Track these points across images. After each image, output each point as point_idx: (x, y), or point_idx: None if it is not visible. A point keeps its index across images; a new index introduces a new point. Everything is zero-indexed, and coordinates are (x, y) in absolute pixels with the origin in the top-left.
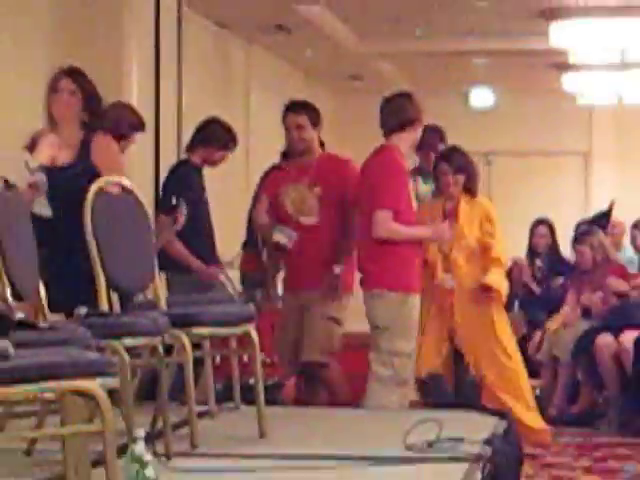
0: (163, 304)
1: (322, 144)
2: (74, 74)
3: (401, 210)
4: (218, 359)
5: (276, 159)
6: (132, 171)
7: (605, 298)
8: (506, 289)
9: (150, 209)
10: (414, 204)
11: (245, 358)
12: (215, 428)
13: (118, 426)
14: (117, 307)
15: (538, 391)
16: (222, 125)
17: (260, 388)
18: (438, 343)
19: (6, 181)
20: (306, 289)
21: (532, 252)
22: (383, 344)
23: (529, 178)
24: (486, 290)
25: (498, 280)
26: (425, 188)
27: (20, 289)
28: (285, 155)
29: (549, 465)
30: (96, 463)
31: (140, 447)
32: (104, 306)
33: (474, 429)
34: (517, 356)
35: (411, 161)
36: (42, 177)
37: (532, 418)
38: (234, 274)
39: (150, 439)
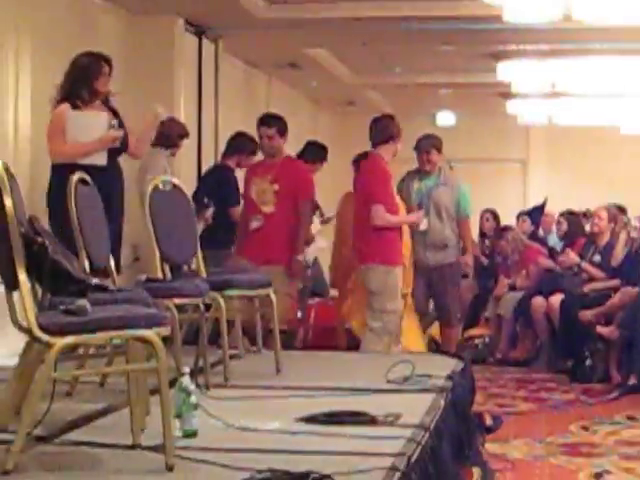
0: (203, 273)
1: (324, 148)
2: None
3: (388, 202)
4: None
5: None
6: (179, 172)
7: (527, 274)
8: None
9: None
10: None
11: None
12: (242, 366)
13: (169, 364)
14: (169, 275)
15: (487, 339)
16: (249, 137)
17: (276, 335)
18: None
19: None
20: (265, 265)
21: (482, 234)
22: (375, 304)
23: (481, 179)
24: None
25: None
26: (417, 186)
27: (95, 261)
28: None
29: (495, 395)
30: (153, 392)
31: (186, 380)
32: (159, 274)
33: (439, 367)
34: None
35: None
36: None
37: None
38: None
39: (193, 374)
